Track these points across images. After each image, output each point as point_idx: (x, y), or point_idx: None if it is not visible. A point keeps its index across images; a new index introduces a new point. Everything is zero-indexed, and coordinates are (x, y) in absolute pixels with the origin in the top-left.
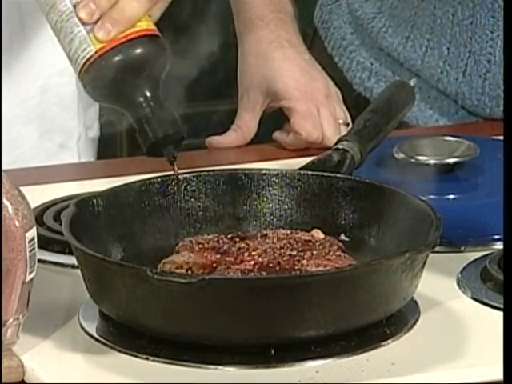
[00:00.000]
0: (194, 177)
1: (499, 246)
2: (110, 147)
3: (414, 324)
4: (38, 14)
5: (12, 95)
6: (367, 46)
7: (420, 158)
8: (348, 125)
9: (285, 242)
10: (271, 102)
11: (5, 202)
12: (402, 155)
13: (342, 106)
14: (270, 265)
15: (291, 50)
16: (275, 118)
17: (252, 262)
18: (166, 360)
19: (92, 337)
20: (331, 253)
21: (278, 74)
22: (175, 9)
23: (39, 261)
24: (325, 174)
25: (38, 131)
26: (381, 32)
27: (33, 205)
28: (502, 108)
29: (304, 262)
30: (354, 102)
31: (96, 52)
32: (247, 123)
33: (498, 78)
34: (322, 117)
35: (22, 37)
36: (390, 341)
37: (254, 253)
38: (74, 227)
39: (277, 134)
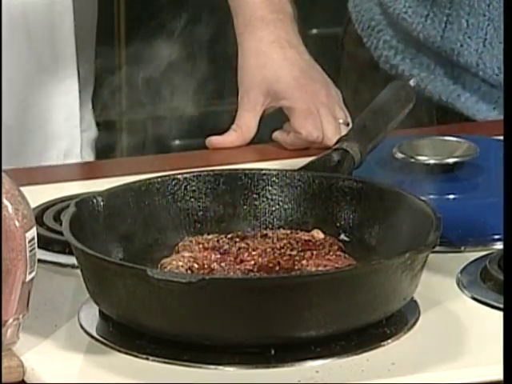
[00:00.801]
0: (193, 177)
1: (499, 246)
2: (109, 147)
3: (414, 324)
4: (46, 22)
5: (16, 101)
6: (393, 26)
7: (420, 157)
8: (348, 124)
9: (285, 241)
10: (271, 102)
11: (5, 202)
12: (401, 155)
13: (342, 106)
14: (270, 265)
15: (291, 50)
16: (275, 118)
17: (252, 262)
18: (166, 360)
19: (92, 337)
20: (331, 253)
21: (279, 74)
22: (174, 9)
23: (39, 261)
24: (325, 174)
25: (43, 138)
26: (401, 13)
27: (33, 205)
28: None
29: (304, 262)
30: (382, 80)
31: None
32: (247, 123)
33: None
34: (322, 116)
35: (28, 42)
36: (389, 341)
37: (254, 253)
38: (73, 227)
39: (277, 134)
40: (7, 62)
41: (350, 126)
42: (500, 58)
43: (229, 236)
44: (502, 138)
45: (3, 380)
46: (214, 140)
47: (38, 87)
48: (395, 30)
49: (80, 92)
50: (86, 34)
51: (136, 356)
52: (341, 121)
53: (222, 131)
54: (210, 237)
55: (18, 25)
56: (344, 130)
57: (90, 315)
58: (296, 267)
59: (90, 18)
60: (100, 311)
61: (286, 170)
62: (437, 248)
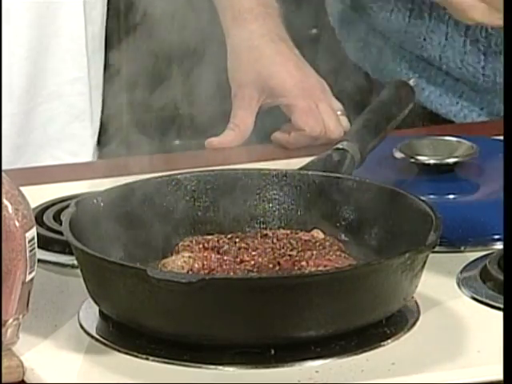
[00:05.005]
0: (193, 177)
1: (499, 246)
2: (109, 146)
3: (414, 324)
4: (59, 21)
5: (20, 101)
6: (360, 18)
7: (420, 157)
8: (345, 114)
9: (285, 241)
10: (267, 99)
11: (5, 201)
12: (401, 155)
13: (334, 98)
14: (270, 265)
15: (282, 44)
16: (275, 118)
17: (252, 262)
18: (166, 360)
19: (92, 337)
20: (331, 253)
21: (273, 70)
22: (169, 9)
23: (39, 261)
24: (325, 173)
25: (44, 138)
26: (367, 8)
27: (33, 205)
28: (482, 65)
29: (304, 262)
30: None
31: None
32: (244, 121)
33: (478, 36)
34: (322, 111)
35: (39, 44)
36: (389, 341)
37: (253, 253)
38: (73, 227)
39: (277, 135)
40: (19, 61)
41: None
42: (462, 51)
43: (229, 236)
44: (501, 138)
45: (3, 380)
46: (213, 141)
47: (47, 88)
48: (362, 23)
49: (90, 94)
50: (96, 36)
51: (136, 356)
52: (339, 112)
53: (222, 131)
54: (209, 237)
55: (31, 24)
56: (343, 120)
57: (90, 315)
58: (296, 267)
59: (99, 21)
60: (100, 311)
61: (286, 170)
62: (437, 248)
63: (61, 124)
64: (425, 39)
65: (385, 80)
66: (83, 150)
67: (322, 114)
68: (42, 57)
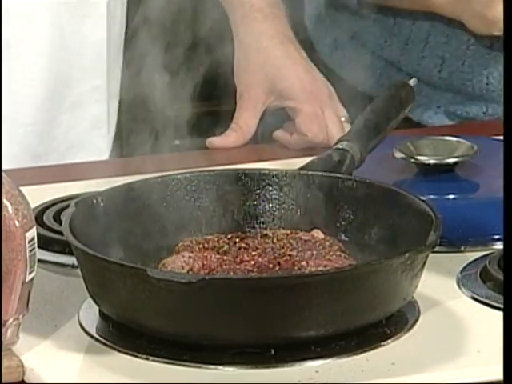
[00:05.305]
0: (193, 177)
1: (499, 246)
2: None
3: (414, 324)
4: (83, 30)
5: (42, 109)
6: (339, 27)
7: (420, 157)
8: (349, 121)
9: (285, 241)
10: (274, 101)
11: (5, 201)
12: (401, 155)
13: (340, 104)
14: (270, 265)
15: (291, 46)
16: (275, 118)
17: (252, 262)
18: (166, 360)
19: (92, 337)
20: (331, 253)
21: (282, 72)
22: (171, 9)
23: (39, 261)
24: (325, 173)
25: (63, 146)
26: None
27: (33, 205)
28: (438, 69)
29: (304, 262)
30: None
31: None
32: (247, 122)
33: (439, 39)
34: (326, 118)
35: (61, 54)
36: (389, 341)
37: (253, 253)
38: (73, 227)
39: (279, 134)
40: (40, 71)
41: (347, 120)
42: (420, 56)
43: (229, 236)
44: (501, 138)
45: (3, 380)
46: (215, 141)
47: (70, 96)
48: (335, 24)
49: (108, 102)
50: (115, 44)
51: (136, 356)
52: (343, 119)
53: (223, 131)
54: (209, 237)
55: (53, 33)
56: (347, 128)
57: (90, 315)
58: (296, 267)
59: (118, 29)
60: (100, 311)
61: (286, 170)
62: (437, 248)
63: (80, 132)
64: (385, 41)
65: (346, 76)
66: (101, 157)
67: (327, 121)
68: (64, 66)
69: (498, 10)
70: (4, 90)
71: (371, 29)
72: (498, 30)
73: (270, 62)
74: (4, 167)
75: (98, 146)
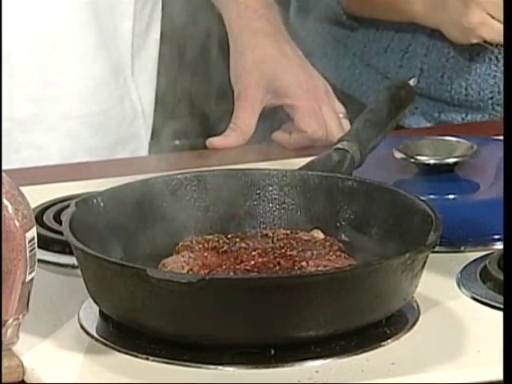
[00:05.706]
0: (193, 177)
1: (499, 246)
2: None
3: (414, 324)
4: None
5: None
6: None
7: (420, 157)
8: (347, 117)
9: (285, 241)
10: (271, 99)
11: (5, 202)
12: (401, 155)
13: (337, 100)
14: (270, 265)
15: (287, 45)
16: (275, 118)
17: (252, 262)
18: (166, 360)
19: (92, 337)
20: (331, 253)
21: (279, 71)
22: (172, 10)
23: (39, 261)
24: (325, 174)
25: (114, 140)
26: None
27: (33, 205)
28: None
29: (304, 262)
30: None
31: None
32: (246, 122)
33: (419, 51)
34: (324, 114)
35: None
36: (389, 341)
37: (253, 253)
38: (73, 227)
39: (277, 135)
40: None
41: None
42: (398, 65)
43: (229, 236)
44: (501, 138)
45: (3, 380)
46: (214, 141)
47: (116, 89)
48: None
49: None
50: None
51: (136, 356)
52: (341, 115)
53: (223, 131)
54: (209, 237)
55: (100, 23)
56: (345, 123)
57: (90, 315)
58: (296, 267)
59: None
60: (100, 311)
61: (286, 170)
62: (437, 248)
63: (127, 124)
64: (365, 46)
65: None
66: (142, 148)
67: (325, 117)
68: (113, 55)
69: (474, 18)
70: (53, 83)
71: (353, 34)
72: (476, 37)
73: (266, 60)
74: (51, 162)
75: (140, 137)
